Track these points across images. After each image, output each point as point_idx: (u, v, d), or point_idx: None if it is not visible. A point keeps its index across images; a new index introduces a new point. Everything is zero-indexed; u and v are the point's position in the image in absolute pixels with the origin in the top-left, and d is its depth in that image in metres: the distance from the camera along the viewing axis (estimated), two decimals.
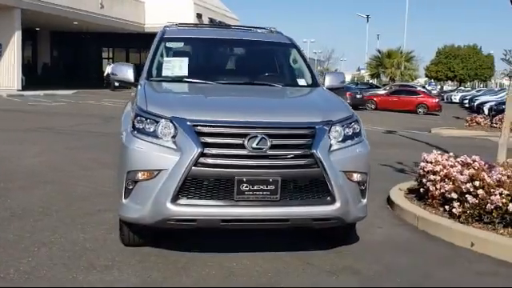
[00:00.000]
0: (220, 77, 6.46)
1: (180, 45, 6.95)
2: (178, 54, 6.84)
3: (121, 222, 5.56)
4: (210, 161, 4.91)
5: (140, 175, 5.05)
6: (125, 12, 43.55)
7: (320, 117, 5.30)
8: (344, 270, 5.33)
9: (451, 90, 72.29)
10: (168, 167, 4.92)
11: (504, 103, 27.95)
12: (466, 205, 6.29)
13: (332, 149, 5.17)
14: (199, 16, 46.61)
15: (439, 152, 7.65)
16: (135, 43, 48.78)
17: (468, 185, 6.29)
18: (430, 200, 7.06)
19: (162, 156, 4.97)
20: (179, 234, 5.97)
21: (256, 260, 5.47)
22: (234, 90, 6.20)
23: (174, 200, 4.93)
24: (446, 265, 5.61)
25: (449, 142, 17.29)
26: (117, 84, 7.24)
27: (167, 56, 6.67)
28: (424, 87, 52.46)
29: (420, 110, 37.79)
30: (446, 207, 6.68)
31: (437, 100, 40.17)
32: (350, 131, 5.36)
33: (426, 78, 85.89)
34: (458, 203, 6.44)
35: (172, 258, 5.43)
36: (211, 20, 48.61)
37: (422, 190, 7.34)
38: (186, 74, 6.44)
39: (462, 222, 6.34)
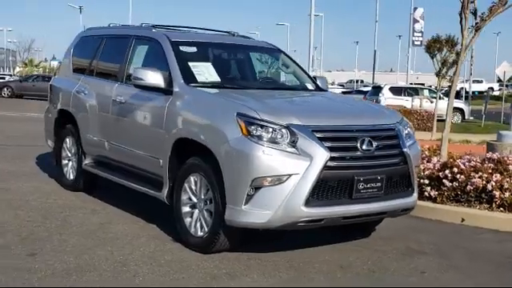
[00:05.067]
0: (249, 83, 6.69)
1: (193, 49, 6.88)
2: (193, 58, 6.78)
3: (218, 228, 5.50)
4: (334, 163, 5.28)
5: (267, 181, 5.18)
6: None
7: (391, 119, 6.02)
8: (410, 251, 6.10)
9: None
10: (299, 172, 5.16)
11: None
12: (443, 188, 7.54)
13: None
14: None
15: None
16: None
17: (447, 171, 7.55)
18: None
19: (292, 161, 5.18)
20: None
21: (338, 253, 5.94)
22: (294, 96, 6.52)
23: (307, 202, 5.21)
24: (463, 237, 6.75)
25: None
26: None
27: (185, 61, 6.57)
28: None
29: None
30: None
31: None
32: (407, 130, 6.14)
33: None
34: (429, 187, 7.67)
35: (271, 261, 5.58)
36: None
37: None
38: (219, 80, 6.51)
39: (438, 203, 7.57)
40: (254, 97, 6.10)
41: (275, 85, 7.22)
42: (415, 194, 5.95)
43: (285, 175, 5.17)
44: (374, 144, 5.51)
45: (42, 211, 7.16)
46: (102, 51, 7.90)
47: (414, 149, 6.02)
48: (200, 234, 5.74)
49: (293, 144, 5.25)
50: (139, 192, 6.86)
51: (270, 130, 5.27)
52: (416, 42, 50.76)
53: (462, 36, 8.12)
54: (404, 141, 5.81)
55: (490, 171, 7.47)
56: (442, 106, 24.52)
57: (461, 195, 7.51)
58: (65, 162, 8.44)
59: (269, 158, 5.17)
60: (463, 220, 7.24)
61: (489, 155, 7.91)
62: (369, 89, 38.96)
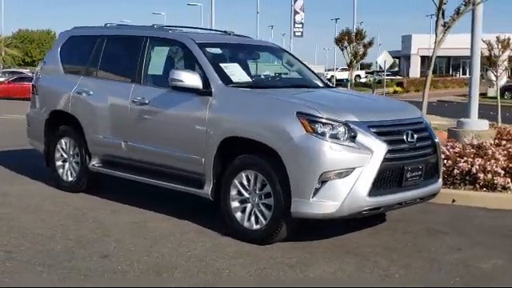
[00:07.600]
0: (274, 82, 7.04)
1: (218, 51, 7.10)
2: (220, 60, 7.02)
3: (279, 220, 5.88)
4: (390, 155, 5.84)
5: (333, 174, 5.63)
6: None
7: (416, 112, 6.68)
8: (433, 232, 6.79)
9: None
10: (363, 164, 5.67)
11: None
12: None
13: None
14: None
15: None
16: None
17: None
18: None
19: (355, 155, 5.68)
20: None
21: (375, 236, 6.51)
22: (327, 93, 6.97)
23: (370, 192, 5.72)
24: (465, 216, 7.56)
25: None
26: None
27: (217, 62, 6.80)
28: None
29: None
30: None
31: None
32: (428, 122, 6.82)
33: None
34: None
35: (324, 248, 6.07)
36: None
37: None
38: (251, 80, 6.82)
39: None
40: (299, 96, 6.51)
41: (295, 83, 7.61)
42: (440, 180, 6.65)
43: (350, 168, 5.65)
44: (415, 136, 6.12)
45: (61, 214, 7.14)
46: (105, 52, 7.86)
47: (437, 139, 6.71)
48: (256, 226, 6.07)
49: (352, 139, 5.73)
50: (142, 188, 6.93)
51: (332, 126, 5.72)
52: (297, 33, 52.61)
53: (436, 34, 8.98)
54: (433, 132, 6.49)
55: (473, 156, 8.37)
56: None
57: (447, 178, 8.34)
58: (59, 163, 8.32)
59: (335, 153, 5.63)
60: (454, 201, 8.07)
61: (467, 141, 8.81)
62: None
